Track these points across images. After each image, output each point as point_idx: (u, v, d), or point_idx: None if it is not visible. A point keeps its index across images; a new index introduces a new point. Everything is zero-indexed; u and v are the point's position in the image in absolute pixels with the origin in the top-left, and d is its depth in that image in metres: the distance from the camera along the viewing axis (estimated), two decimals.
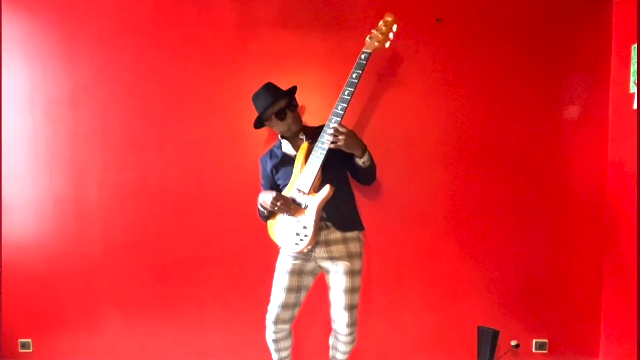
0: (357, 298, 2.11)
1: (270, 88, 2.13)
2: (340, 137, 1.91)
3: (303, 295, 2.16)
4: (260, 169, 2.28)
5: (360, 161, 2.02)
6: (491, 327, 2.50)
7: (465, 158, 2.52)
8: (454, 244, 2.58)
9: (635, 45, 2.27)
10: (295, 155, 2.10)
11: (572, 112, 2.49)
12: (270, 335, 2.17)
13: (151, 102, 2.54)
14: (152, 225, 2.61)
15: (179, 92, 2.53)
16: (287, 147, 2.16)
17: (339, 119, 1.96)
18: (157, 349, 2.70)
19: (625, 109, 2.36)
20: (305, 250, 2.05)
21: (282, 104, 2.08)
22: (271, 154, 2.22)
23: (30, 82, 2.54)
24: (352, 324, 2.10)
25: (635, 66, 2.27)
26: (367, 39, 2.07)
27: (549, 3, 2.44)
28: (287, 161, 2.12)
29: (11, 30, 2.51)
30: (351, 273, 2.07)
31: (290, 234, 2.04)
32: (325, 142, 1.95)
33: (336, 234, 2.07)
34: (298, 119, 2.14)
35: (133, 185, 2.59)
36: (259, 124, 2.21)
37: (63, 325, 2.69)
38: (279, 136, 2.21)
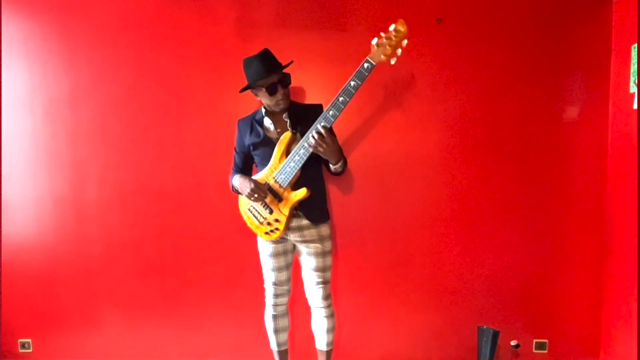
0: (329, 275, 2.20)
1: (265, 58, 2.02)
2: (324, 145, 1.90)
3: (290, 269, 2.25)
4: (237, 132, 2.24)
5: (332, 167, 2.06)
6: (491, 327, 2.50)
7: (465, 158, 2.52)
8: (454, 243, 2.58)
9: (635, 45, 2.27)
10: (276, 136, 2.08)
11: (572, 112, 2.49)
12: (270, 311, 2.25)
13: (151, 102, 2.54)
14: (152, 225, 2.61)
15: (179, 92, 2.53)
16: (268, 124, 2.12)
17: (328, 125, 1.93)
18: (157, 349, 2.70)
19: (625, 109, 2.36)
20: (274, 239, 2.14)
21: (275, 78, 2.00)
22: (251, 127, 2.15)
23: (30, 82, 2.54)
24: (326, 297, 2.19)
25: (635, 66, 2.27)
26: (375, 45, 1.92)
27: (548, 3, 2.44)
28: (268, 142, 2.10)
29: (11, 30, 2.51)
30: (323, 254, 2.15)
31: (261, 220, 2.10)
32: (309, 144, 1.94)
33: (308, 221, 2.13)
34: (288, 96, 2.08)
35: (133, 185, 2.59)
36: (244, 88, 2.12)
37: (63, 325, 2.69)
38: (262, 109, 2.14)
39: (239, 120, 2.24)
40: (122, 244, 2.62)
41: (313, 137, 1.91)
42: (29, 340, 2.71)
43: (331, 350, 2.32)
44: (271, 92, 2.01)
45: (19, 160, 2.58)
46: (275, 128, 2.11)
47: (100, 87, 2.54)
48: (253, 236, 2.56)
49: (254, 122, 2.16)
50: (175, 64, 2.52)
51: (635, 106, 2.27)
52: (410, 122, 2.52)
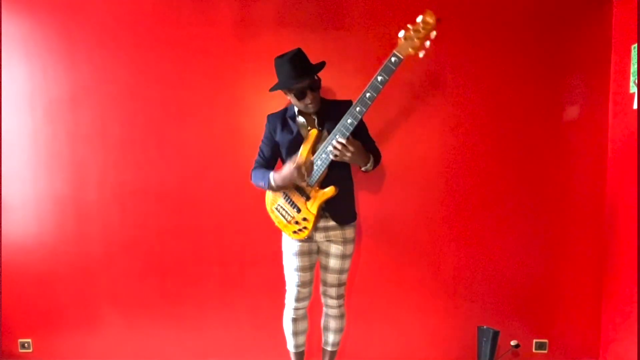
0: (345, 277, 2.20)
1: (297, 61, 1.94)
2: (347, 154, 1.87)
3: (314, 271, 2.22)
4: (266, 126, 2.17)
5: (362, 168, 2.03)
6: (491, 327, 2.50)
7: (465, 157, 2.52)
8: (454, 244, 2.58)
9: (635, 45, 2.27)
10: (307, 133, 2.03)
11: (572, 112, 2.49)
12: (290, 314, 2.21)
13: (151, 102, 2.54)
14: (152, 225, 2.61)
15: (179, 92, 2.53)
16: (302, 121, 2.07)
17: (355, 122, 1.87)
18: (157, 349, 2.70)
19: (625, 109, 2.36)
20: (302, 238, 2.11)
21: (304, 83, 1.93)
22: (283, 123, 2.10)
23: (30, 82, 2.54)
24: (340, 297, 2.21)
25: (635, 66, 2.27)
26: (402, 38, 1.82)
27: (549, 3, 2.44)
28: (300, 140, 2.04)
29: (11, 30, 2.51)
30: (343, 256, 2.15)
31: (289, 219, 2.07)
32: (333, 156, 1.91)
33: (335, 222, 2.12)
34: (318, 99, 2.01)
35: (133, 185, 2.59)
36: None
37: (63, 325, 2.69)
38: (295, 107, 2.09)
39: (269, 115, 2.17)
40: (122, 244, 2.62)
41: (335, 147, 1.87)
42: (29, 340, 2.71)
43: (336, 351, 2.32)
44: (299, 97, 1.96)
45: (19, 160, 2.58)
46: (307, 125, 2.07)
47: (100, 87, 2.54)
48: (253, 236, 2.57)
49: (287, 117, 2.10)
50: (175, 64, 2.52)
51: (635, 106, 2.27)
52: (409, 121, 2.52)
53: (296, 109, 2.09)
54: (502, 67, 2.47)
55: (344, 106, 2.04)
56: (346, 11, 2.47)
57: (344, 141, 1.87)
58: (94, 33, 2.51)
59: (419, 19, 1.80)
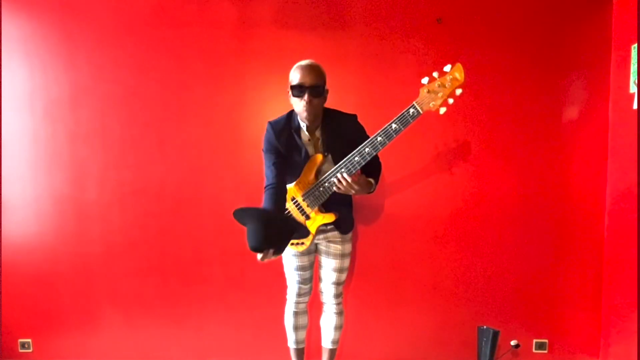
0: (344, 276, 2.23)
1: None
2: (352, 191, 1.87)
3: (313, 268, 2.25)
4: (268, 135, 2.00)
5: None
6: (491, 327, 2.50)
7: (465, 159, 2.52)
8: (454, 244, 2.58)
9: (635, 45, 2.27)
10: (312, 152, 1.99)
11: (572, 112, 2.50)
12: (291, 308, 2.25)
13: (151, 102, 2.54)
14: (152, 225, 2.61)
15: (179, 92, 2.53)
16: (306, 138, 1.99)
17: (363, 162, 1.83)
18: (157, 349, 2.70)
19: (625, 109, 2.36)
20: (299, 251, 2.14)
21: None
22: (288, 136, 1.97)
23: (30, 82, 2.54)
24: (338, 295, 2.24)
25: (635, 66, 2.27)
26: (425, 88, 1.74)
27: (549, 3, 2.44)
28: (307, 161, 2.00)
29: (11, 30, 2.51)
30: (342, 255, 2.17)
31: None
32: (337, 189, 1.90)
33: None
34: (315, 113, 1.90)
35: (133, 185, 2.59)
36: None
37: (63, 325, 2.69)
38: (298, 118, 1.97)
39: (272, 123, 2.02)
40: (122, 244, 2.62)
41: (340, 182, 1.86)
42: (29, 340, 2.71)
43: (335, 349, 2.33)
44: (296, 93, 1.87)
45: (19, 160, 2.58)
46: (310, 143, 1.99)
47: (100, 87, 2.54)
48: None
49: (292, 132, 1.98)
50: (175, 64, 2.52)
51: (635, 106, 2.27)
52: None
53: (301, 122, 1.98)
54: (502, 66, 2.47)
55: (349, 122, 2.03)
56: (346, 11, 2.47)
57: (349, 179, 1.84)
58: (94, 33, 2.51)
59: (447, 68, 1.72)
